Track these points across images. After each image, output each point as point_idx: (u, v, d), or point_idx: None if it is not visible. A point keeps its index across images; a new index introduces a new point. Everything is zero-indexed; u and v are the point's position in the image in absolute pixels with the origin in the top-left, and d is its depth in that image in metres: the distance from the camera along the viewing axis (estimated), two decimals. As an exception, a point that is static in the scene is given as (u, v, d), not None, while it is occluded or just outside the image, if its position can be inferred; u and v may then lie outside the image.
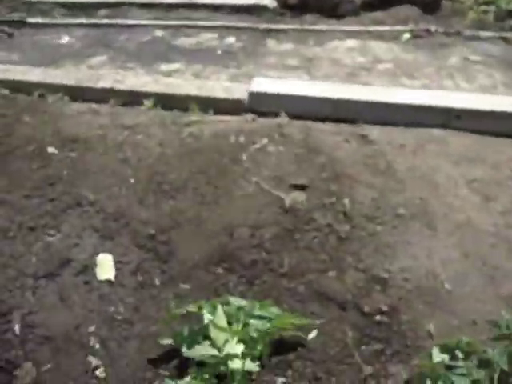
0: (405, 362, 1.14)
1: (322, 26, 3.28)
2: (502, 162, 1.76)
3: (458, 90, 2.40)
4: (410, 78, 2.58)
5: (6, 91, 2.37)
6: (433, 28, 3.08)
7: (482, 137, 1.91)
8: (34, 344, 1.20)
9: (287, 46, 3.06)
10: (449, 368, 1.08)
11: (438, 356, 1.13)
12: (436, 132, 1.97)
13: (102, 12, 3.62)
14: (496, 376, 1.00)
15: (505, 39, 2.96)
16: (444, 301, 1.27)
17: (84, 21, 3.48)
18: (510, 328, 1.07)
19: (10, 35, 3.43)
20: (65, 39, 3.29)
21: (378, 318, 1.22)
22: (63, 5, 3.68)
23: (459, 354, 1.12)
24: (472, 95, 2.15)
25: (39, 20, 3.54)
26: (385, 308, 1.23)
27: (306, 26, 3.27)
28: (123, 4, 3.62)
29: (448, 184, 1.64)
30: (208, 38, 3.21)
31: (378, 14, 3.37)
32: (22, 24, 3.53)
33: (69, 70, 2.68)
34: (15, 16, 3.63)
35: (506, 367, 1.00)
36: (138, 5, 3.62)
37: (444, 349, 1.15)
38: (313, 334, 1.17)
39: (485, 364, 1.04)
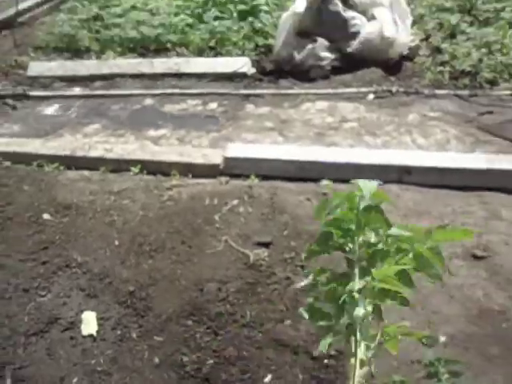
0: (348, 400, 1.29)
1: (296, 89, 3.61)
2: (445, 213, 1.97)
3: (415, 146, 2.67)
4: (372, 136, 2.86)
5: (8, 163, 2.64)
6: (394, 88, 3.41)
7: (429, 190, 2.14)
8: (24, 396, 1.36)
9: (264, 110, 3.37)
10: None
11: (378, 395, 1.29)
12: (390, 187, 2.21)
13: (97, 84, 3.99)
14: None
15: (459, 96, 3.28)
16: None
17: (81, 92, 3.84)
18: (433, 364, 1.24)
19: (14, 107, 3.77)
20: (63, 110, 3.62)
21: (326, 361, 1.38)
22: (62, 78, 4.05)
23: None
24: (421, 152, 2.41)
25: (40, 93, 3.90)
26: (332, 352, 1.40)
27: (282, 91, 3.61)
28: (116, 76, 3.99)
29: (395, 236, 1.84)
30: (193, 104, 3.54)
31: (346, 77, 3.73)
32: (24, 97, 3.88)
33: (65, 140, 2.97)
34: (19, 89, 3.99)
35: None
36: (130, 76, 3.99)
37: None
38: (268, 378, 1.34)
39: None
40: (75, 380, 1.39)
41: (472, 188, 2.14)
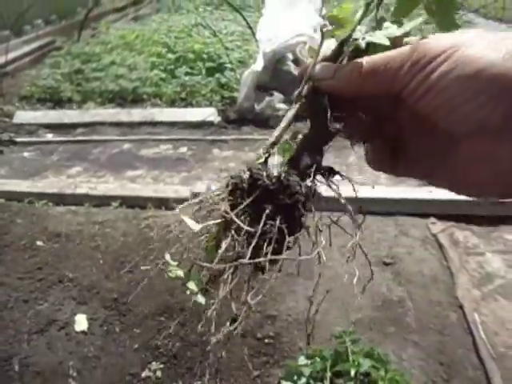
0: (282, 367, 1.73)
1: (256, 135, 4.19)
2: (367, 233, 2.50)
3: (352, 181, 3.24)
4: (318, 174, 3.43)
5: (1, 200, 3.02)
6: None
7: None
8: (29, 377, 1.73)
9: (228, 153, 3.92)
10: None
11: (302, 360, 1.73)
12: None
13: (79, 130, 4.46)
14: (328, 364, 1.61)
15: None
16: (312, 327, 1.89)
17: (64, 138, 4.29)
18: (341, 336, 1.70)
19: (1, 152, 4.17)
20: (47, 154, 4.05)
21: (266, 340, 1.83)
22: (47, 126, 4.50)
23: (317, 359, 1.73)
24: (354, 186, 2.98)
25: (26, 139, 4.32)
26: (272, 334, 1.85)
27: (243, 136, 4.18)
28: (97, 123, 4.48)
29: (326, 250, 2.34)
30: (165, 149, 4.05)
31: (299, 125, 4.34)
32: (11, 143, 4.29)
33: (52, 180, 3.40)
34: (5, 136, 4.39)
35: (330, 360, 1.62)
36: (109, 123, 4.49)
37: (307, 356, 1.75)
38: (222, 354, 1.76)
39: (324, 359, 1.65)
40: (71, 363, 1.76)
41: (391, 213, 2.70)
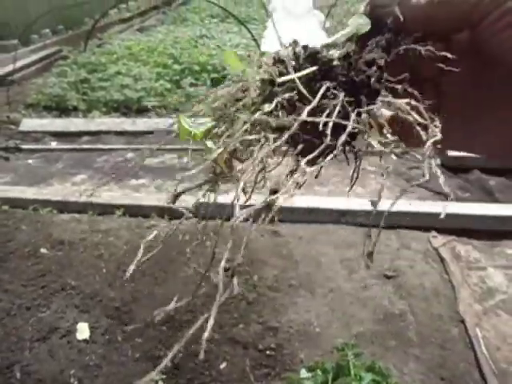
0: (283, 379, 1.73)
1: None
2: (368, 245, 2.51)
3: (353, 194, 3.26)
4: (321, 186, 3.45)
5: (6, 207, 3.05)
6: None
7: (358, 228, 2.69)
8: (31, 385, 1.73)
9: (231, 163, 3.95)
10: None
11: (303, 373, 1.73)
12: (329, 226, 2.75)
13: (85, 138, 4.50)
14: (330, 377, 1.61)
15: (394, 154, 3.96)
16: (314, 339, 1.90)
17: (69, 146, 4.33)
18: (343, 349, 1.71)
19: (6, 159, 4.21)
20: (53, 162, 4.09)
21: (268, 352, 1.83)
22: (53, 134, 4.55)
23: (318, 371, 1.73)
24: (354, 199, 3.00)
25: (31, 146, 4.36)
26: (273, 346, 1.85)
27: (246, 147, 4.22)
28: (102, 132, 4.53)
29: (328, 262, 2.36)
30: (169, 158, 4.08)
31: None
32: (16, 150, 4.33)
33: (56, 188, 3.42)
34: (11, 143, 4.44)
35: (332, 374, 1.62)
36: (114, 132, 4.53)
37: (309, 369, 1.75)
38: (223, 365, 1.76)
39: (326, 372, 1.65)
40: (72, 372, 1.77)
41: (393, 226, 2.71)
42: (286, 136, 0.36)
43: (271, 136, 0.37)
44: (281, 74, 0.39)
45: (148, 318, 2.02)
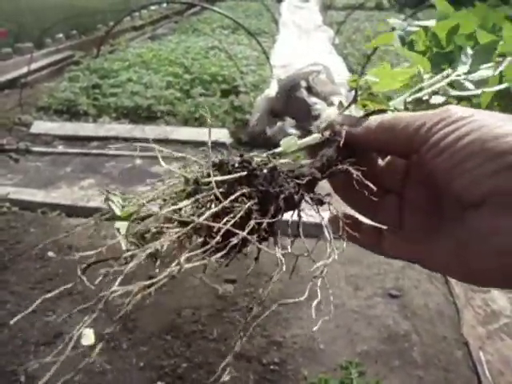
0: (286, 394, 1.73)
1: (266, 159, 4.27)
2: (374, 263, 2.53)
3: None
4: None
5: (15, 208, 3.07)
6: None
7: (364, 246, 2.70)
8: (35, 389, 1.73)
9: (238, 174, 3.98)
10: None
11: (307, 389, 1.74)
12: (335, 242, 2.76)
13: (94, 143, 4.55)
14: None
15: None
16: (317, 355, 1.91)
17: (78, 150, 4.38)
18: (347, 368, 1.71)
19: (16, 160, 4.25)
20: (62, 165, 4.13)
21: (271, 367, 1.84)
22: (62, 137, 4.60)
23: (321, 388, 1.74)
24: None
25: (41, 149, 4.41)
26: (277, 360, 1.86)
27: (254, 159, 4.25)
28: (111, 138, 4.58)
29: (333, 279, 2.37)
30: (176, 166, 4.11)
31: (309, 151, 4.44)
32: (26, 152, 4.38)
33: (65, 191, 3.46)
34: (21, 145, 4.49)
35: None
36: (123, 138, 4.58)
37: (311, 385, 1.76)
38: (227, 378, 1.77)
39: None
40: (77, 378, 1.77)
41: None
42: (184, 231, 0.40)
43: (174, 229, 0.41)
44: (209, 176, 0.43)
45: (153, 327, 2.03)
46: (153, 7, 9.94)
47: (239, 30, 7.97)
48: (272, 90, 4.47)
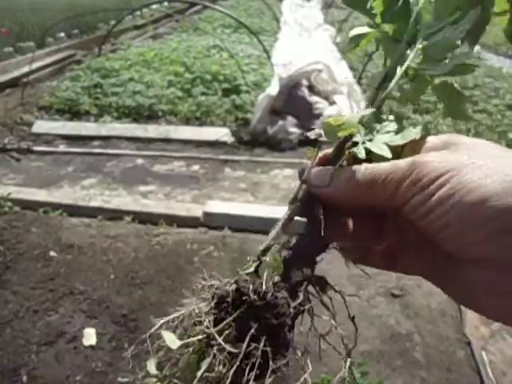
0: (288, 395, 1.73)
1: (267, 157, 4.26)
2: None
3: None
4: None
5: (17, 208, 3.08)
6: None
7: (366, 245, 2.70)
8: (37, 389, 1.74)
9: (240, 173, 3.97)
10: (314, 396, 1.68)
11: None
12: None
13: (96, 143, 4.55)
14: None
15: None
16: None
17: (80, 150, 4.38)
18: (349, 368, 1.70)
19: (18, 160, 4.25)
20: (64, 165, 4.13)
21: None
22: (64, 137, 4.60)
23: (323, 389, 1.73)
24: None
25: (43, 148, 4.41)
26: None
27: (255, 158, 4.24)
28: (113, 137, 4.58)
29: (335, 277, 2.36)
30: (178, 166, 4.11)
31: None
32: (28, 151, 4.38)
33: (67, 191, 3.46)
34: (23, 144, 4.49)
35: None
36: (125, 138, 4.58)
37: (314, 385, 1.75)
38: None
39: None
40: (78, 378, 1.77)
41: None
42: None
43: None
44: (216, 321, 0.42)
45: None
46: (154, 6, 9.93)
47: (241, 29, 7.96)
48: (273, 89, 4.46)
